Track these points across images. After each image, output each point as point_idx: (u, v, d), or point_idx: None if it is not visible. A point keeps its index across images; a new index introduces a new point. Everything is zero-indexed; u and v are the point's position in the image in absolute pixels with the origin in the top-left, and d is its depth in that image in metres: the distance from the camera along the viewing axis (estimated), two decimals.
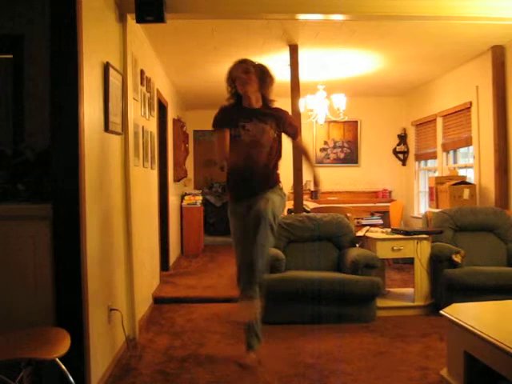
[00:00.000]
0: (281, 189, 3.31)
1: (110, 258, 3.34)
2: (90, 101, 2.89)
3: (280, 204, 3.15)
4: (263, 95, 3.22)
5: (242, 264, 3.15)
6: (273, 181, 3.26)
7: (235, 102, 3.25)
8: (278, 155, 3.29)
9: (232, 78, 3.18)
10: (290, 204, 5.85)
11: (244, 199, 3.21)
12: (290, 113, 3.45)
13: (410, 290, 4.88)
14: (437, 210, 5.55)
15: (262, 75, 3.18)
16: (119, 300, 3.55)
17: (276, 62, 6.26)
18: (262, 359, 3.32)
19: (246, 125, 3.14)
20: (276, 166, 3.30)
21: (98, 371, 2.95)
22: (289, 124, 3.30)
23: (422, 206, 8.41)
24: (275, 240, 3.17)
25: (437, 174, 7.46)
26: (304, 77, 6.06)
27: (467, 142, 6.58)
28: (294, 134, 3.36)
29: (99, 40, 3.19)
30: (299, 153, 3.49)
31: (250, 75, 3.12)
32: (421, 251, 4.56)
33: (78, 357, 2.57)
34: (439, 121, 7.43)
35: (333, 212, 5.19)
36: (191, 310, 4.76)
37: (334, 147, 9.23)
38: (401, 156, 9.09)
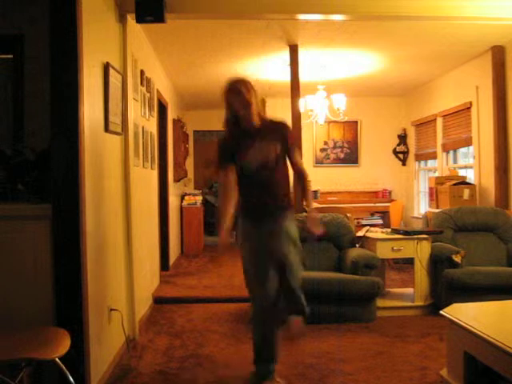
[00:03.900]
0: (292, 213, 3.18)
1: (109, 258, 3.34)
2: (90, 101, 2.89)
3: (294, 230, 3.08)
4: (259, 112, 3.06)
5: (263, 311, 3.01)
6: (288, 200, 3.11)
7: (232, 128, 3.07)
8: (286, 171, 3.13)
9: (229, 102, 2.99)
10: None
11: (260, 222, 3.05)
12: (290, 124, 3.24)
13: (409, 290, 4.88)
14: (437, 210, 5.55)
15: (255, 92, 3.03)
16: (119, 300, 3.55)
17: (276, 62, 6.28)
18: None
19: (249, 151, 2.99)
20: (287, 183, 3.13)
21: (98, 371, 2.95)
22: (289, 137, 3.12)
23: (422, 206, 8.40)
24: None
25: (437, 174, 7.45)
26: (304, 77, 6.06)
27: (467, 142, 6.58)
28: (291, 146, 3.11)
29: (99, 40, 3.19)
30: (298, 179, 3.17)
31: (248, 97, 2.95)
32: (421, 251, 4.56)
33: (77, 357, 2.57)
34: (439, 121, 7.43)
35: (333, 212, 5.19)
36: (191, 310, 4.76)
37: (334, 147, 9.23)
38: (401, 156, 9.09)
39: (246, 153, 3.00)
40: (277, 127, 3.11)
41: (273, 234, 3.01)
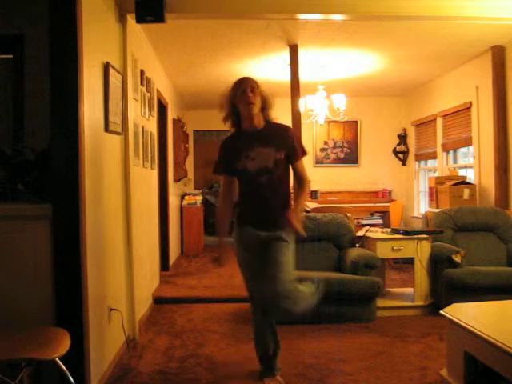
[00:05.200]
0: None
1: (109, 257, 3.34)
2: (90, 101, 2.89)
3: (292, 256, 2.98)
4: (265, 114, 3.00)
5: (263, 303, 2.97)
6: (286, 206, 3.01)
7: (234, 129, 3.04)
8: (287, 177, 3.07)
9: (233, 101, 2.93)
10: None
11: (257, 227, 2.99)
12: (293, 130, 3.21)
13: (409, 290, 4.88)
14: (437, 210, 5.55)
15: (264, 94, 2.98)
16: (119, 300, 3.55)
17: (276, 62, 6.28)
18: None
19: (250, 153, 2.92)
20: (288, 192, 3.08)
21: (98, 371, 2.95)
22: (294, 141, 3.02)
23: (422, 206, 8.41)
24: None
25: (437, 174, 7.46)
26: (304, 77, 6.06)
27: (467, 142, 6.58)
28: (296, 155, 3.02)
29: (99, 40, 3.19)
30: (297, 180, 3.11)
31: (254, 94, 2.89)
32: (421, 251, 4.56)
33: (77, 357, 2.57)
34: (439, 121, 7.43)
35: (333, 212, 5.19)
36: (191, 310, 4.76)
37: (334, 147, 9.23)
38: (401, 156, 9.09)
39: (245, 158, 2.92)
40: (281, 133, 3.02)
41: (269, 240, 2.93)
